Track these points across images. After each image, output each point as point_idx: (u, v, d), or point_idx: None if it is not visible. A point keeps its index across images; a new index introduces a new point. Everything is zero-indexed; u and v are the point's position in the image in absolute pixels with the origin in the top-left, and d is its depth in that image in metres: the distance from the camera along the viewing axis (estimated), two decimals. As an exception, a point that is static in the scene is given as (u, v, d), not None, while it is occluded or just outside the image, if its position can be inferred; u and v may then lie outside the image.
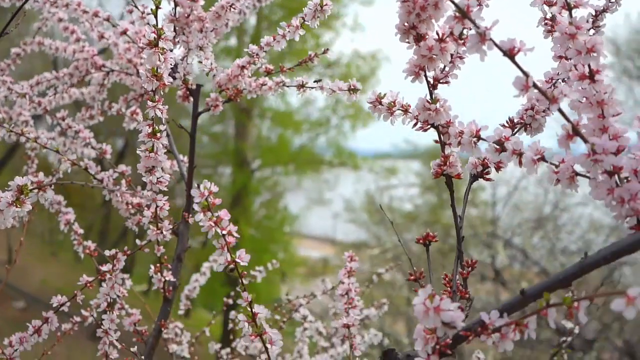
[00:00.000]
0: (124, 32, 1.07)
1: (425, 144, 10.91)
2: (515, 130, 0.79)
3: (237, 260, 0.71)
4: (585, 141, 0.58)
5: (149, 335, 1.11)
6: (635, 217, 0.57)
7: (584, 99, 0.62)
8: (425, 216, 10.28)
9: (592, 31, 0.81)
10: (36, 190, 0.73)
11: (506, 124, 0.79)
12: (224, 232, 0.70)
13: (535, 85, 0.57)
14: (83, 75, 1.30)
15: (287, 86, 1.10)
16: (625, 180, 0.59)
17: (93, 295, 1.11)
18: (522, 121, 0.78)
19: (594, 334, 5.73)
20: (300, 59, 1.12)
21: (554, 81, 0.79)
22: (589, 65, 0.61)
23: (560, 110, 0.58)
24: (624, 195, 0.57)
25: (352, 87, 0.95)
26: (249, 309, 0.73)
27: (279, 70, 1.12)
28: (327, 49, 1.15)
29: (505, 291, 6.94)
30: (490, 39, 0.57)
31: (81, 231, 1.19)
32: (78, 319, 1.24)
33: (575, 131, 0.59)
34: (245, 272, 0.74)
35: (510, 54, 0.58)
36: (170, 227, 1.01)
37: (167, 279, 1.08)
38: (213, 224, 0.70)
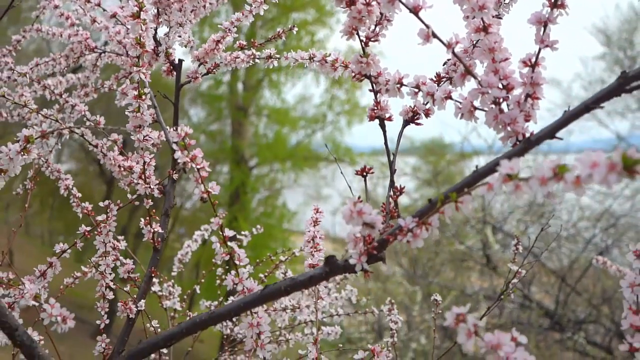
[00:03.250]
0: (114, 16, 1.21)
1: (421, 139, 11.08)
2: (442, 82, 0.94)
3: (210, 190, 0.86)
4: (475, 78, 0.73)
5: (140, 281, 1.26)
6: (515, 137, 0.73)
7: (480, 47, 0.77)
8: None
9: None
10: (40, 138, 0.88)
11: (434, 78, 0.94)
12: (199, 167, 0.85)
13: (434, 35, 0.72)
14: (77, 57, 1.45)
15: (258, 58, 1.25)
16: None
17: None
18: (447, 75, 0.93)
19: (583, 316, 5.89)
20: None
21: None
22: (482, 20, 0.76)
23: (454, 54, 0.73)
24: (506, 120, 0.72)
25: (312, 56, 1.09)
26: (220, 233, 0.88)
27: (250, 45, 1.27)
28: (294, 26, 1.30)
29: (498, 277, 7.09)
30: (397, -1, 0.72)
31: (79, 195, 1.34)
32: (78, 273, 1.40)
33: (467, 71, 0.74)
34: (218, 206, 0.89)
35: (415, 10, 0.73)
36: (157, 182, 1.16)
37: (156, 230, 1.23)
38: (189, 160, 0.85)
